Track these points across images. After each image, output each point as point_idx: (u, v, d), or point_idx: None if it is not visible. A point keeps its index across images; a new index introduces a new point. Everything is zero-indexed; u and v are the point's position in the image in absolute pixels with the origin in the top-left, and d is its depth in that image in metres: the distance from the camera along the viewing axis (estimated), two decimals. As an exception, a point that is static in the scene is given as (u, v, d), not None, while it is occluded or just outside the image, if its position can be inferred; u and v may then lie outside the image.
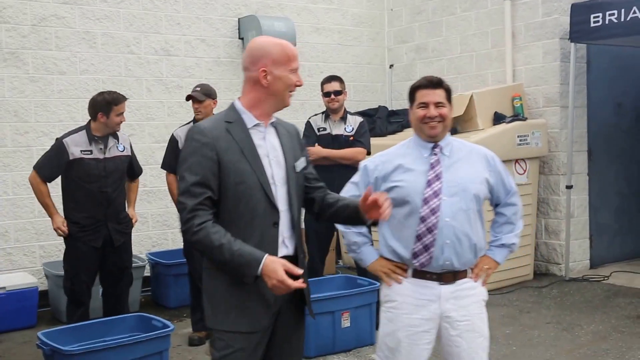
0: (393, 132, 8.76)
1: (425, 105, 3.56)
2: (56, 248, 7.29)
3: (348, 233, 3.77)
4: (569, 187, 8.09)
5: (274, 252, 3.06)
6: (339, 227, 3.85)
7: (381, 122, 8.78)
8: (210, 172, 2.98)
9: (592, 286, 7.89)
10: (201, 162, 2.98)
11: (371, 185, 3.55)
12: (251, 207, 3.03)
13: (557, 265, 8.37)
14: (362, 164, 3.79)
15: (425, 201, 3.47)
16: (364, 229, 3.75)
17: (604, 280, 8.09)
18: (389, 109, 9.58)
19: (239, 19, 9.00)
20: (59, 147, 5.78)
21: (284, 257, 3.09)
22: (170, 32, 8.46)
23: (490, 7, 9.05)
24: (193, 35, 8.62)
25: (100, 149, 5.83)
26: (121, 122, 5.87)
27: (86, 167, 5.76)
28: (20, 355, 6.17)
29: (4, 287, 6.83)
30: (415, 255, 3.50)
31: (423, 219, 3.47)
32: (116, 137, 5.96)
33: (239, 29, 8.99)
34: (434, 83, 3.60)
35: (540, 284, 8.02)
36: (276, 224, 3.09)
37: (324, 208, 3.34)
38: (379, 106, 9.50)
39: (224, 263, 2.94)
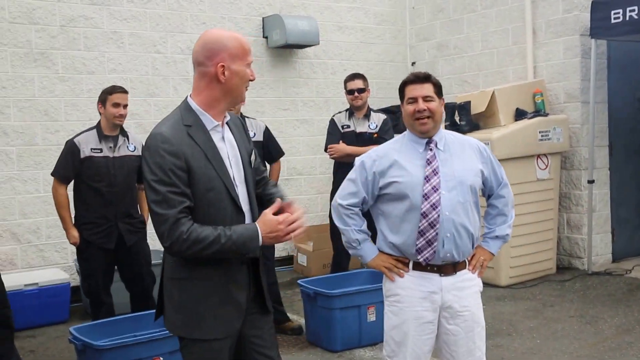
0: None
1: (414, 100, 3.58)
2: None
3: (348, 230, 3.77)
4: (590, 181, 8.13)
5: None
6: (338, 225, 3.83)
7: (404, 118, 8.82)
8: (183, 182, 2.87)
9: (614, 280, 7.92)
10: (172, 172, 2.85)
11: (368, 180, 3.65)
12: (221, 213, 2.96)
13: (580, 259, 8.41)
14: (358, 160, 3.78)
15: (426, 197, 3.51)
16: (364, 226, 3.78)
17: (626, 274, 8.11)
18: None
19: (263, 18, 9.12)
20: (70, 146, 5.79)
21: (251, 258, 3.08)
22: (196, 31, 8.55)
23: (510, 4, 9.10)
24: (218, 34, 8.70)
25: (110, 147, 5.82)
26: (119, 114, 5.77)
27: (95, 165, 5.75)
28: (54, 350, 6.29)
29: (37, 283, 6.96)
30: (419, 250, 3.55)
31: (424, 215, 3.51)
32: (126, 136, 5.95)
33: (263, 28, 9.12)
34: (421, 78, 3.61)
35: (563, 277, 8.05)
36: None
37: (262, 200, 3.29)
38: (402, 103, 9.56)
39: (225, 250, 2.87)
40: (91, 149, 5.76)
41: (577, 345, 5.84)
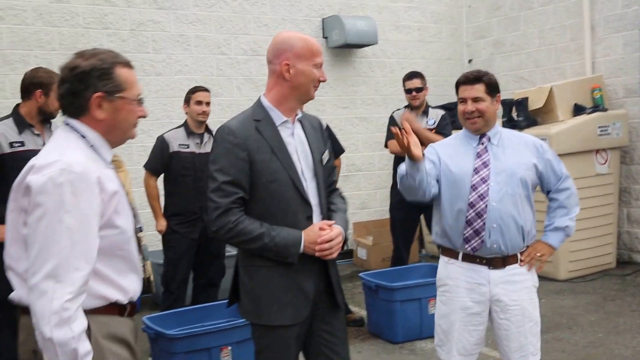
0: (473, 125, 8.88)
1: (463, 100, 3.66)
2: (155, 237, 7.58)
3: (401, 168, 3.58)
4: (650, 176, 8.13)
5: None
6: (398, 179, 3.62)
7: (462, 115, 8.87)
8: (243, 173, 3.01)
9: (676, 274, 7.86)
10: (233, 163, 3.00)
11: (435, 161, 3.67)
12: (284, 204, 3.07)
13: (640, 253, 8.41)
14: (427, 148, 3.78)
15: (474, 187, 3.58)
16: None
17: (688, 268, 8.06)
18: (469, 103, 9.67)
19: (322, 19, 9.30)
20: (160, 141, 6.17)
21: None
22: (259, 33, 8.81)
23: (567, 1, 9.10)
24: (279, 35, 8.91)
25: (197, 143, 6.14)
26: (202, 111, 6.11)
27: (182, 160, 6.08)
28: (127, 339, 6.52)
29: (109, 275, 7.20)
30: (466, 240, 3.61)
31: (472, 205, 3.57)
32: (211, 134, 6.20)
33: (322, 28, 9.31)
34: (471, 79, 3.65)
35: (623, 272, 8.02)
36: (310, 217, 3.13)
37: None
38: (459, 100, 9.62)
39: (267, 249, 3.00)
40: (179, 144, 6.10)
41: None
